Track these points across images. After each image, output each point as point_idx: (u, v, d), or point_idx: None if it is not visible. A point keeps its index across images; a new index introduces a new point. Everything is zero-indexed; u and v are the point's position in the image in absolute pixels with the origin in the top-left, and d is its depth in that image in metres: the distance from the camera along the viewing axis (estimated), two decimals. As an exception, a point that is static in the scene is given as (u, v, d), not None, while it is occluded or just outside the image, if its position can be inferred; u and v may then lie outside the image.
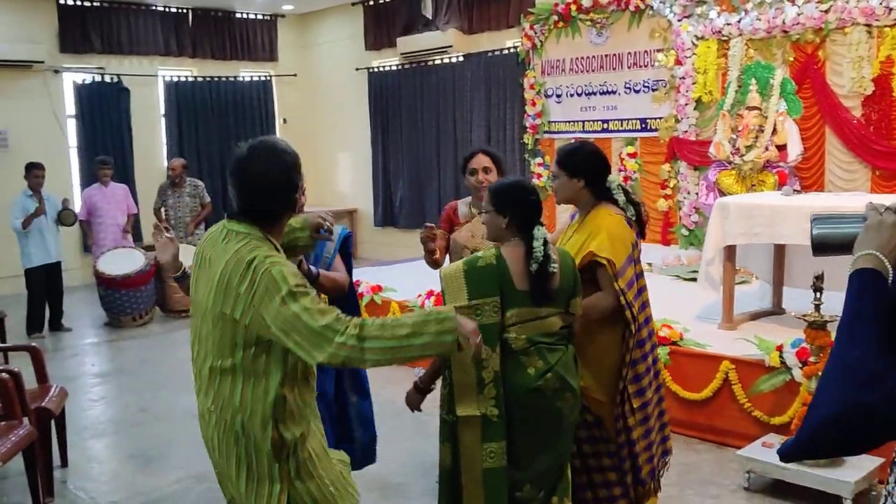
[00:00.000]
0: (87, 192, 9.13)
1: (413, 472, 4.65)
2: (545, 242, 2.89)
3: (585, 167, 3.34)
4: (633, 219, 3.36)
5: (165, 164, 10.87)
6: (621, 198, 3.36)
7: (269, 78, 13.01)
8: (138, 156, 11.54)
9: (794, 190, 5.87)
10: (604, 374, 3.25)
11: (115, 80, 11.34)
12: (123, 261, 8.44)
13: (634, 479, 3.31)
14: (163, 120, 12.04)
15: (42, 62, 10.65)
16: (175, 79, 12.03)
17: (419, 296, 6.81)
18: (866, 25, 6.94)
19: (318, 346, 2.20)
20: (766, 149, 7.26)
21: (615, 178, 3.45)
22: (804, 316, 4.17)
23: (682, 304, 5.92)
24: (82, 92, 11.13)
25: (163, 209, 9.22)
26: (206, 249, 2.46)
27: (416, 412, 3.42)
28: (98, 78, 11.26)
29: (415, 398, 3.34)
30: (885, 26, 6.84)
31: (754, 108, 7.38)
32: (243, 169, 2.43)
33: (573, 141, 6.44)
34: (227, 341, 2.34)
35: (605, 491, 3.32)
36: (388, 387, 5.28)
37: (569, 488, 3.05)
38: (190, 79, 12.19)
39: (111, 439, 5.45)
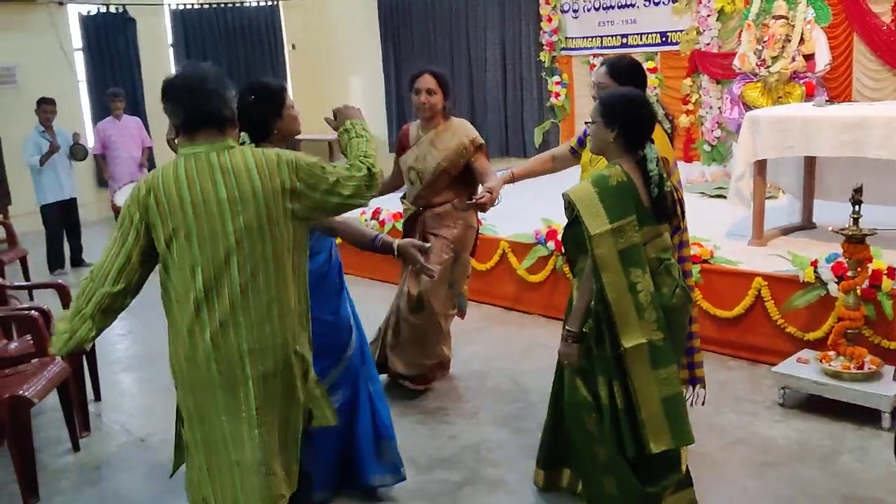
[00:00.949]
0: (101, 125, 9.01)
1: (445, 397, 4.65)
2: (657, 161, 2.83)
3: (632, 78, 3.31)
4: (671, 131, 3.39)
5: (176, 94, 10.70)
6: (659, 112, 3.33)
7: (276, 3, 12.72)
8: (148, 87, 11.35)
9: (826, 100, 5.72)
10: None
11: (121, 10, 11.11)
12: (141, 194, 8.38)
13: (691, 379, 3.51)
14: (171, 50, 11.83)
15: (46, -6, 10.43)
16: (181, 7, 11.78)
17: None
18: (898, -75, 6.67)
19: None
20: (793, 59, 7.06)
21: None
22: (842, 230, 4.07)
23: (709, 222, 5.83)
24: (88, 24, 10.92)
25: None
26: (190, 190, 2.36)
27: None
28: (103, 9, 11.02)
29: (572, 350, 2.94)
30: (919, -75, 6.57)
31: (780, 16, 7.15)
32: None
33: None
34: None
35: None
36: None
37: None
38: (196, 6, 11.93)
39: (141, 373, 5.47)
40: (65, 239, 8.25)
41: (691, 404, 3.46)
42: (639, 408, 2.77)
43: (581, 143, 3.81)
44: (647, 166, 2.80)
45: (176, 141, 3.63)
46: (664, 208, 2.85)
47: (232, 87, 2.48)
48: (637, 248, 2.77)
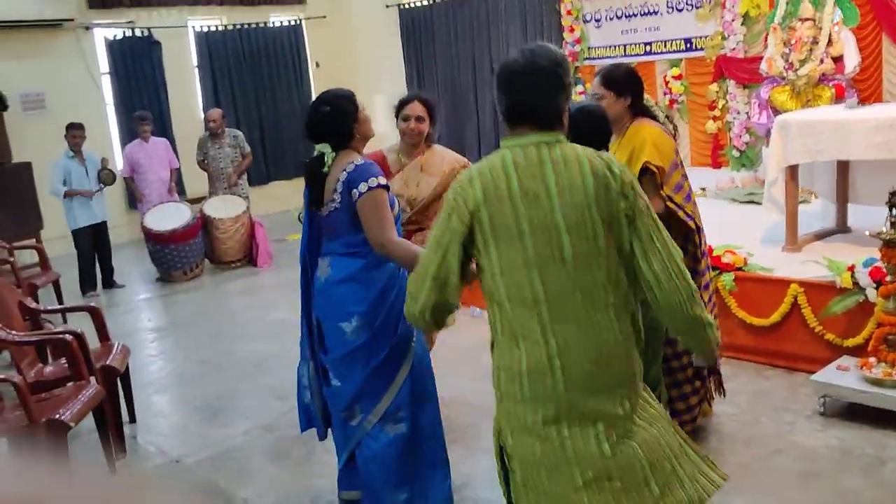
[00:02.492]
0: (129, 148, 9.10)
1: (477, 410, 4.62)
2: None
3: (629, 85, 3.51)
4: (674, 131, 3.55)
5: (202, 115, 10.81)
6: (660, 113, 3.49)
7: (298, 21, 12.80)
8: (175, 109, 11.49)
9: (856, 103, 5.63)
10: None
11: (146, 33, 11.24)
12: (170, 215, 8.45)
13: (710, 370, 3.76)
14: (196, 71, 11.94)
15: (72, 20, 10.56)
16: (205, 28, 11.89)
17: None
18: (926, -77, 6.58)
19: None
20: (822, 61, 6.98)
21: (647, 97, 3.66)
22: (879, 234, 3.99)
23: (741, 229, 5.76)
24: (114, 48, 11.05)
25: (205, 161, 9.17)
26: (519, 181, 2.17)
27: None
28: (129, 32, 11.16)
29: None
30: (947, -78, 6.47)
31: (807, 19, 7.07)
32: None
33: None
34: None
35: (683, 388, 3.74)
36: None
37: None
38: (220, 28, 12.04)
39: (175, 393, 5.49)
40: (96, 261, 8.33)
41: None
42: None
43: None
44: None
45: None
46: None
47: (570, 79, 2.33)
48: None
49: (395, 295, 3.24)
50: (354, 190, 3.08)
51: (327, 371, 3.35)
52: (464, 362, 5.06)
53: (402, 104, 4.11)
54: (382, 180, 3.11)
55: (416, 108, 4.07)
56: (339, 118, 3.17)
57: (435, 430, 3.40)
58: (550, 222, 2.13)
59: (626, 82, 3.50)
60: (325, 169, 3.15)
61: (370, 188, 3.07)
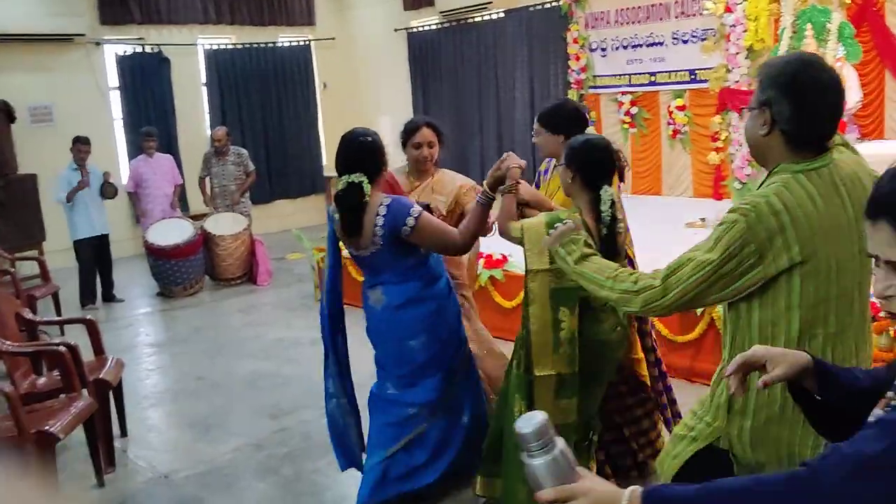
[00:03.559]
0: (134, 163, 9.18)
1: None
2: (612, 203, 2.95)
3: (566, 124, 3.57)
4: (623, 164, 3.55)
5: (208, 133, 10.89)
6: None
7: (307, 43, 12.92)
8: (181, 126, 11.57)
9: (856, 138, 5.66)
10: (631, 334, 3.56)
11: (156, 50, 11.34)
12: (172, 231, 8.48)
13: (673, 415, 3.73)
14: (204, 89, 12.04)
15: (83, 35, 10.68)
16: (215, 47, 12.00)
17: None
18: (929, -38, 6.64)
19: None
20: (823, 96, 7.00)
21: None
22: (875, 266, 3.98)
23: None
24: (124, 64, 11.15)
25: (207, 178, 9.23)
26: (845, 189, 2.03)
27: None
28: (139, 49, 11.27)
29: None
30: (950, -38, 6.53)
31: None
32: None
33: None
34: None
35: (642, 423, 3.77)
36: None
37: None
38: (229, 47, 12.15)
39: (169, 408, 5.49)
40: (97, 275, 8.36)
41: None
42: None
43: (538, 185, 4.02)
44: (599, 207, 2.93)
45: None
46: (612, 248, 2.91)
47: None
48: (571, 291, 2.92)
49: (452, 307, 3.55)
50: (404, 227, 3.22)
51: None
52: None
53: (411, 131, 4.11)
54: (419, 205, 3.30)
55: (427, 135, 4.09)
56: (377, 151, 3.30)
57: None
58: (856, 253, 2.01)
59: (561, 120, 3.63)
60: (367, 198, 3.22)
61: (416, 218, 3.22)
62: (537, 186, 4.14)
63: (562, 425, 2.93)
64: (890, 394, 1.95)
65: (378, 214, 3.22)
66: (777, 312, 2.05)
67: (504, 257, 6.20)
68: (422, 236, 3.25)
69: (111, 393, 4.60)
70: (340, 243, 3.50)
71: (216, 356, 6.46)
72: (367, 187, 3.21)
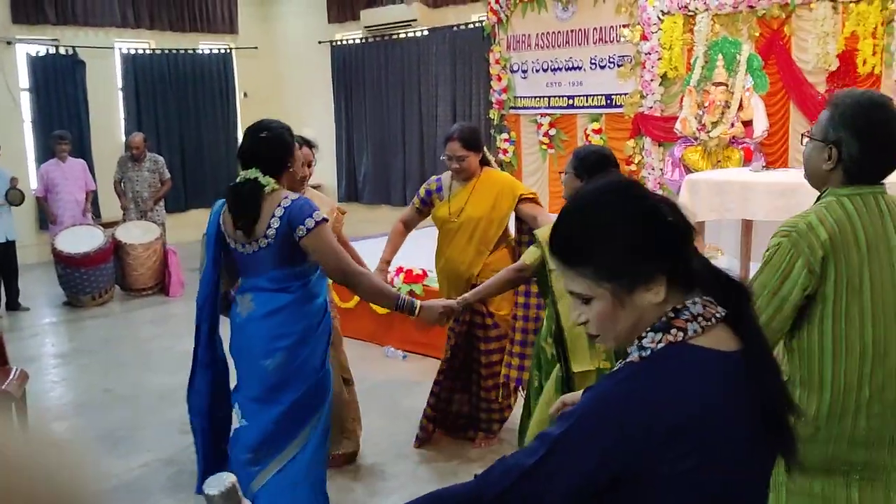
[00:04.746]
0: (44, 167, 8.89)
1: (386, 451, 4.61)
2: None
3: (480, 143, 4.17)
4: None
5: (123, 138, 10.64)
6: (495, 164, 4.42)
7: (229, 51, 12.76)
8: (95, 130, 11.27)
9: (762, 166, 5.91)
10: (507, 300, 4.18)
11: (71, 52, 11.04)
12: (82, 238, 8.25)
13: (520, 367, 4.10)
14: (120, 93, 11.75)
15: (-7, 33, 10.33)
16: (132, 51, 11.74)
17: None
18: (831, 1, 6.99)
19: None
20: (732, 125, 7.30)
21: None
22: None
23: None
24: (36, 64, 10.81)
25: (122, 182, 9.01)
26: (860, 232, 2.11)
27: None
28: (52, 50, 10.94)
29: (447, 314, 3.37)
30: (850, 2, 6.89)
31: (721, 83, 7.40)
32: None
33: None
34: None
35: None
36: (359, 364, 5.22)
37: None
38: (147, 51, 11.91)
39: (75, 422, 5.33)
40: (1, 283, 8.06)
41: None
42: None
43: (425, 202, 4.30)
44: None
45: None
46: None
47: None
48: None
49: (321, 332, 3.20)
50: (300, 227, 2.99)
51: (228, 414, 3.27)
52: (374, 400, 5.07)
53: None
54: (324, 214, 3.07)
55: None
56: (276, 145, 3.10)
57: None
58: (888, 277, 2.10)
59: (479, 141, 4.14)
60: (268, 189, 3.02)
61: (317, 223, 3.00)
62: (424, 204, 4.30)
63: None
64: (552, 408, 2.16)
65: (279, 206, 3.01)
66: (814, 327, 2.13)
67: (424, 272, 6.24)
68: (317, 245, 3.01)
69: (14, 405, 4.45)
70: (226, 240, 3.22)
71: (125, 368, 6.31)
72: (264, 180, 3.02)
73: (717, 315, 1.32)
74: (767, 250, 2.15)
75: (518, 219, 4.32)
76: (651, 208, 1.33)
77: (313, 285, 3.19)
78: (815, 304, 2.12)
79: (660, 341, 1.30)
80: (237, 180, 3.10)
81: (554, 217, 3.93)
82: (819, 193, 2.22)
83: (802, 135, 2.28)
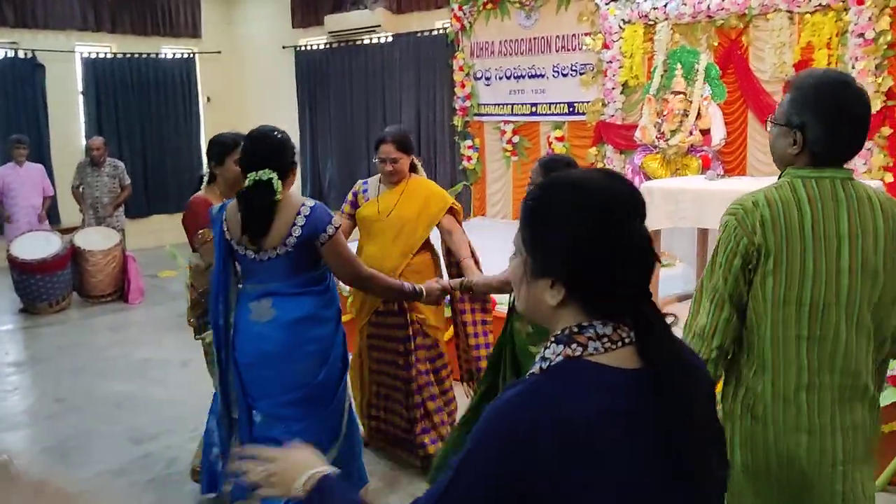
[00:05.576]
0: (1, 171, 8.75)
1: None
2: None
3: (412, 147, 4.23)
4: None
5: (83, 143, 10.50)
6: (422, 171, 4.43)
7: (192, 55, 12.66)
8: (55, 135, 11.11)
9: (718, 174, 5.97)
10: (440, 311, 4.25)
11: (29, 55, 10.88)
12: (39, 244, 8.12)
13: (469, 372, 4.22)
14: (80, 98, 11.61)
15: (-51, 36, 10.16)
16: (93, 55, 11.60)
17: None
18: (788, 12, 7.07)
19: None
20: (691, 133, 7.37)
21: None
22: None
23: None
24: (-7, 68, 10.67)
25: (81, 187, 8.89)
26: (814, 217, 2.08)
27: None
28: (11, 53, 10.78)
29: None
30: (806, 13, 6.97)
31: (679, 92, 7.47)
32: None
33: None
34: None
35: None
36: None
37: None
38: (109, 55, 11.77)
39: (26, 431, 5.24)
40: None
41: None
42: None
43: (355, 205, 4.33)
44: None
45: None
46: None
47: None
48: None
49: (341, 334, 3.32)
50: (322, 233, 3.04)
51: (254, 422, 3.21)
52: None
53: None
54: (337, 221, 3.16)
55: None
56: (287, 148, 3.10)
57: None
58: (832, 266, 2.07)
59: (411, 144, 4.22)
60: (277, 196, 3.00)
61: (336, 228, 3.09)
62: (354, 207, 4.30)
63: None
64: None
65: (299, 214, 3.02)
66: (758, 306, 2.13)
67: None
68: (335, 250, 3.10)
69: (-39, 416, 4.37)
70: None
71: (80, 376, 6.22)
72: (277, 184, 3.01)
73: (626, 340, 1.30)
74: (720, 227, 2.20)
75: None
76: (617, 230, 1.27)
77: (332, 288, 3.30)
78: (756, 285, 2.13)
79: (559, 354, 1.29)
80: (248, 185, 3.03)
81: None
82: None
83: (767, 119, 2.28)
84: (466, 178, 10.02)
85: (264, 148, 3.05)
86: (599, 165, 8.63)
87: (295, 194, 3.12)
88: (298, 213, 3.02)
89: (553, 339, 1.32)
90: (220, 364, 3.26)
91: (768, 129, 2.27)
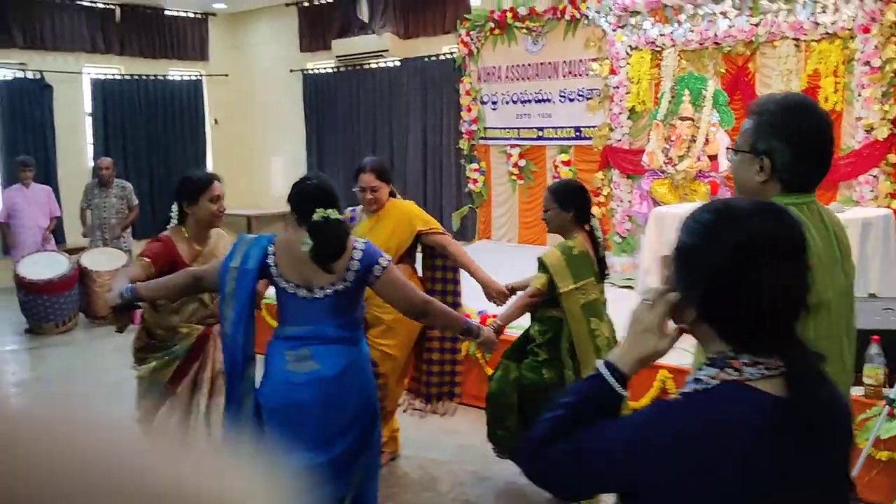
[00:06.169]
0: (7, 193, 8.78)
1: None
2: (599, 230, 3.82)
3: (390, 175, 4.32)
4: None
5: (91, 164, 10.54)
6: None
7: (199, 77, 12.74)
8: (62, 156, 11.15)
9: (727, 200, 5.98)
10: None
11: (38, 76, 10.95)
12: (46, 265, 8.13)
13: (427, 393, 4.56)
14: (88, 119, 11.66)
15: (-41, 57, 10.23)
16: (102, 77, 11.67)
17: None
18: (794, 39, 7.13)
19: None
20: (698, 159, 7.39)
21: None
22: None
23: (616, 312, 5.95)
24: (2, 89, 10.70)
25: (88, 210, 8.91)
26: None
27: None
28: (20, 74, 10.85)
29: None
30: (813, 41, 7.03)
31: (687, 118, 7.51)
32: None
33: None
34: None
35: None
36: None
37: None
38: (117, 77, 11.84)
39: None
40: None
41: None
42: None
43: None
44: (595, 234, 3.73)
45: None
46: (603, 267, 3.78)
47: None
48: (596, 302, 3.68)
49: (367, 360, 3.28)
50: (376, 266, 3.02)
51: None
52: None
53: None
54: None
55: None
56: (334, 189, 3.10)
57: None
58: (842, 286, 2.05)
59: (390, 173, 4.31)
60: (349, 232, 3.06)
61: (389, 260, 3.09)
62: None
63: None
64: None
65: (355, 249, 3.02)
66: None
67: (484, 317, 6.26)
68: (393, 283, 3.06)
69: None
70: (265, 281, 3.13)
71: (85, 398, 6.18)
72: (345, 223, 3.06)
73: (782, 369, 1.38)
74: None
75: (428, 245, 4.42)
76: (756, 265, 1.35)
77: (363, 332, 3.28)
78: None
79: (713, 377, 1.37)
80: (320, 219, 2.94)
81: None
82: None
83: (727, 148, 2.25)
84: (472, 200, 10.05)
85: (331, 189, 3.07)
86: (606, 190, 8.66)
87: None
88: (355, 248, 3.04)
89: (707, 361, 1.40)
90: (230, 399, 3.10)
91: (728, 157, 2.20)
